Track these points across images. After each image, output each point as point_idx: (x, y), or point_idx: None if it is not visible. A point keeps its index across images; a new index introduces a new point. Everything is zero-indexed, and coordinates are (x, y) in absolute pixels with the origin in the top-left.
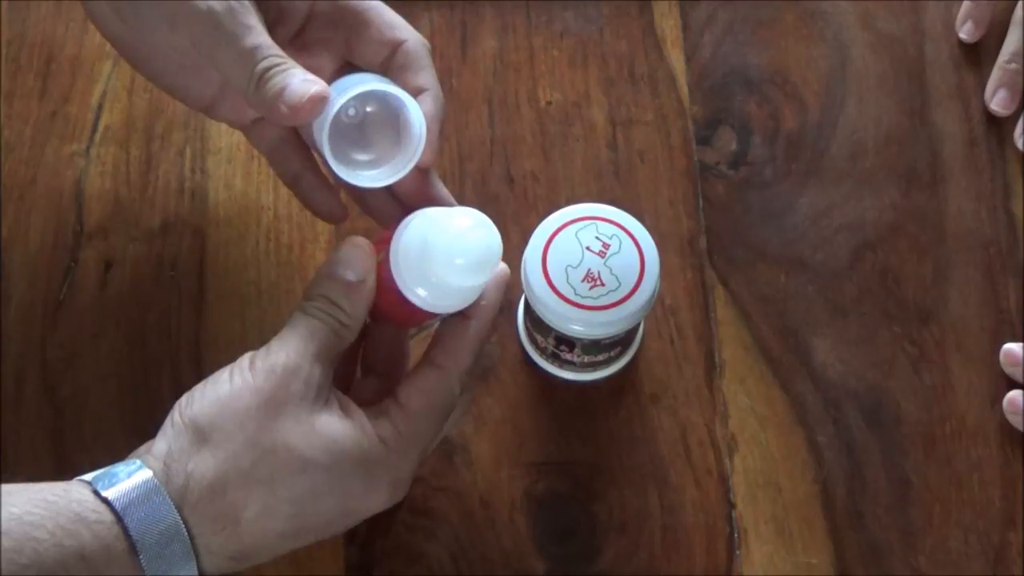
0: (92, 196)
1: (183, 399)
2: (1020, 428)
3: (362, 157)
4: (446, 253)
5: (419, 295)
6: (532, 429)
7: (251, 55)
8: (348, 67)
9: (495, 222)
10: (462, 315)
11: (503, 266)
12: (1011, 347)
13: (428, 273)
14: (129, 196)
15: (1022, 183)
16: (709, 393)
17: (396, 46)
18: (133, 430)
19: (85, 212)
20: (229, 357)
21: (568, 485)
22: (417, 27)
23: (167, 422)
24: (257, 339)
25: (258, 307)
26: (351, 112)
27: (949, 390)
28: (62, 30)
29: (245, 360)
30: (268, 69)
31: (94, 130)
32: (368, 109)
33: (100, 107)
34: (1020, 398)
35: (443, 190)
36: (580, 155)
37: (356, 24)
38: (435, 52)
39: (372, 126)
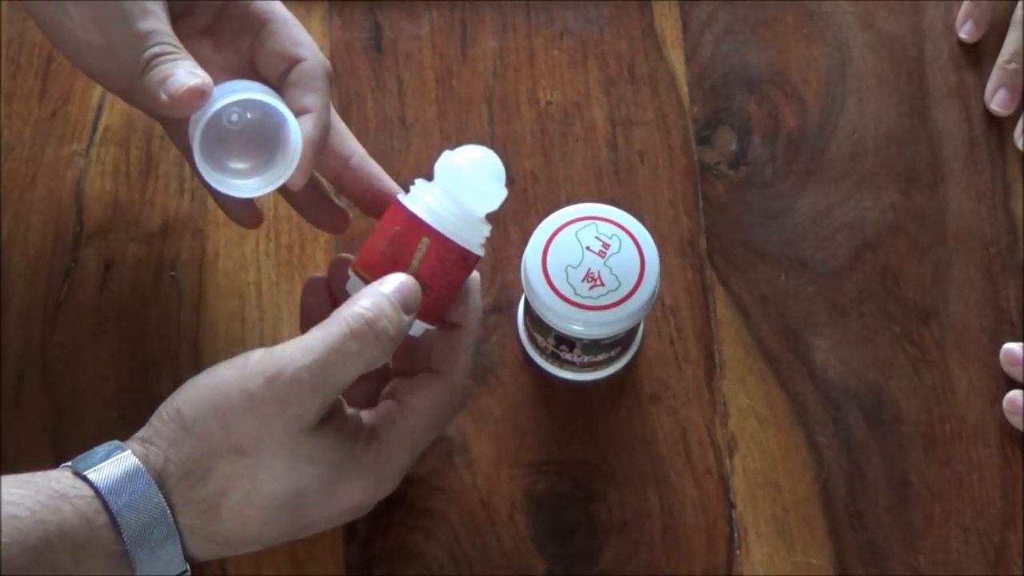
0: (92, 196)
1: (177, 389)
2: (1020, 428)
3: (236, 165)
4: (472, 165)
5: (460, 234)
6: (532, 429)
7: (143, 39)
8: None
9: (495, 222)
10: (455, 325)
11: (475, 275)
12: (1011, 347)
13: (459, 196)
14: (129, 196)
15: (1022, 183)
16: (709, 393)
17: (295, 62)
18: (133, 430)
19: (85, 212)
20: (229, 357)
21: (568, 485)
22: (417, 27)
23: (157, 410)
24: (257, 339)
25: (258, 307)
26: (234, 117)
27: (949, 390)
28: None
29: (253, 357)
30: (157, 56)
31: (94, 130)
32: (249, 116)
33: (100, 107)
34: (1020, 398)
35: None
36: (580, 155)
37: (261, 33)
38: (435, 52)
39: (253, 136)
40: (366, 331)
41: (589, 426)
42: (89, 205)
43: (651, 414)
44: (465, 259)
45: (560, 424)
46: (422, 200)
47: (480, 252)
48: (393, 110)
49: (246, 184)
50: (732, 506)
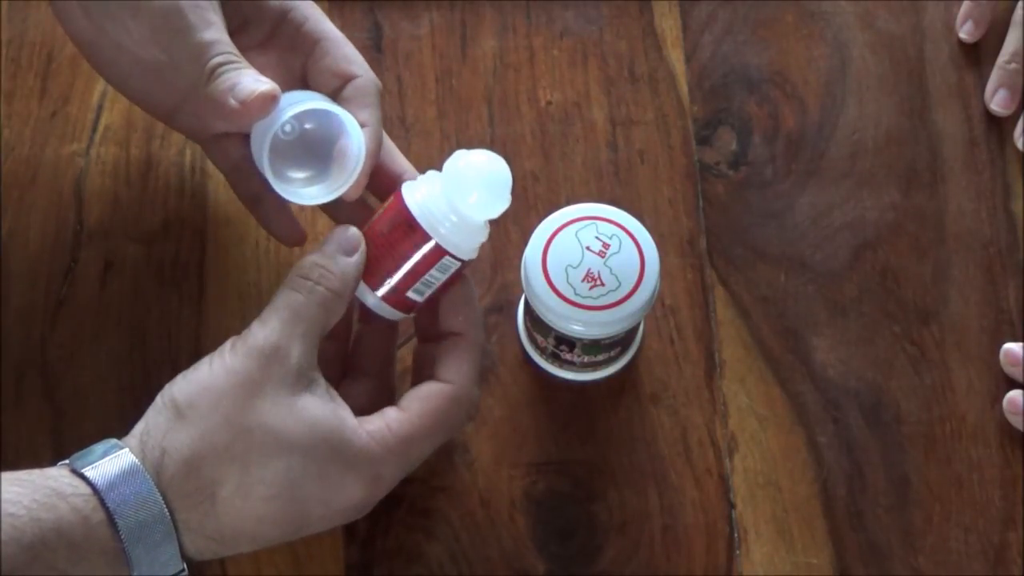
0: (92, 196)
1: (167, 384)
2: (1020, 428)
3: (294, 175)
4: (474, 172)
5: (441, 232)
6: (532, 429)
7: (206, 49)
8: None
9: (495, 222)
10: (454, 334)
11: (466, 278)
12: (1011, 347)
13: (455, 199)
14: (129, 196)
15: (1022, 183)
16: (709, 393)
17: (348, 79)
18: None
19: (85, 212)
20: None
21: (568, 485)
22: (417, 27)
23: (151, 406)
24: None
25: (258, 307)
26: (288, 128)
27: (949, 390)
28: (62, 30)
29: (227, 344)
30: (221, 65)
31: (94, 130)
32: (307, 126)
33: (100, 107)
34: (1020, 398)
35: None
36: (580, 155)
37: (315, 51)
38: (435, 52)
39: (305, 146)
40: (302, 282)
41: (589, 426)
42: (89, 205)
43: (651, 414)
44: (411, 227)
45: (560, 424)
46: (418, 190)
47: (460, 254)
48: (393, 110)
49: (308, 192)
50: (732, 506)
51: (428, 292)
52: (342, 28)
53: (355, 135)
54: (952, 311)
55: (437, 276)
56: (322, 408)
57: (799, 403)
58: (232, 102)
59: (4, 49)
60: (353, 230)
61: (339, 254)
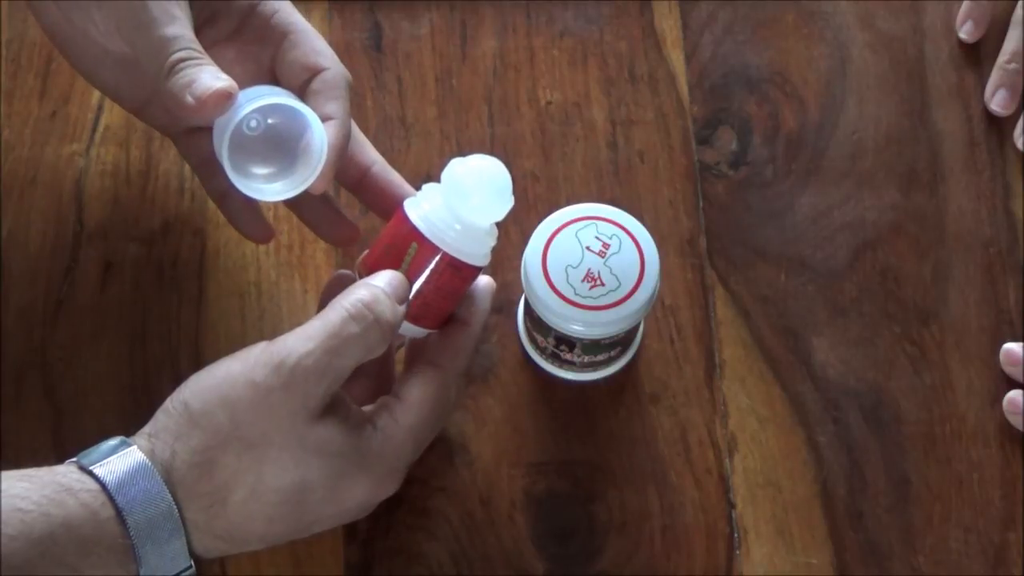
0: (92, 196)
1: (181, 385)
2: (1020, 428)
3: (258, 170)
4: (473, 176)
5: (448, 242)
6: (532, 429)
7: (167, 44)
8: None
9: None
10: (459, 321)
11: (489, 279)
12: (1011, 347)
13: (458, 207)
14: (129, 196)
15: (1022, 183)
16: (709, 393)
17: (316, 72)
18: (133, 430)
19: (85, 212)
20: None
21: (568, 485)
22: (417, 27)
23: (162, 405)
24: (257, 339)
25: (258, 307)
26: (252, 123)
27: (949, 390)
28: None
29: (255, 350)
30: (182, 60)
31: (94, 130)
32: (270, 121)
33: (100, 107)
34: (1020, 398)
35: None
36: (580, 155)
37: (283, 43)
38: (435, 52)
39: (271, 141)
40: (366, 314)
41: (589, 426)
42: (89, 205)
43: (651, 414)
44: (455, 267)
45: (560, 424)
46: (420, 206)
47: (472, 261)
48: (393, 110)
49: (271, 188)
50: (732, 506)
51: (455, 303)
52: (342, 28)
53: (317, 129)
54: (952, 311)
55: (450, 283)
56: (339, 426)
57: (799, 403)
58: (189, 99)
59: (4, 49)
60: (404, 280)
61: (396, 300)
